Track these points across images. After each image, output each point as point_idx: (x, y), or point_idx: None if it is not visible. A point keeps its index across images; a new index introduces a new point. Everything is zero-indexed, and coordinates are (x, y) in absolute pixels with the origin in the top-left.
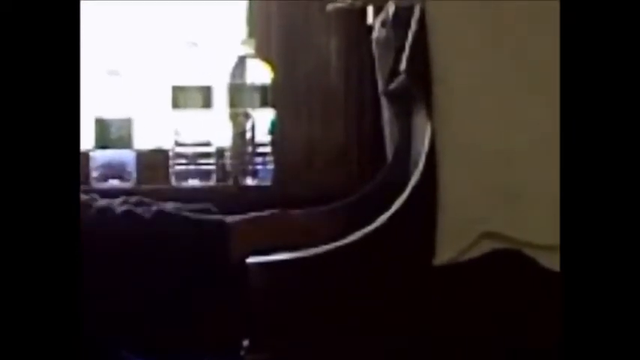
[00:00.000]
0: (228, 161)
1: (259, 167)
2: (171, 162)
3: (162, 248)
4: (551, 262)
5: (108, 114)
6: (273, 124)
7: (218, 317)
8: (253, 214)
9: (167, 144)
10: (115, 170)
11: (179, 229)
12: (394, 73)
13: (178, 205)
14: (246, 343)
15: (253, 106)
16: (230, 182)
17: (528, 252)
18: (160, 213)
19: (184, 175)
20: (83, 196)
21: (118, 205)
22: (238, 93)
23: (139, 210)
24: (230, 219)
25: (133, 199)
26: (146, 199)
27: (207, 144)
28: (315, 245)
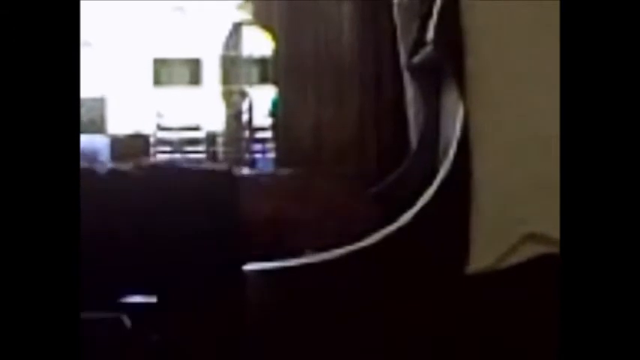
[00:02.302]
0: (220, 149)
1: (258, 156)
2: (152, 149)
3: (157, 207)
4: None
5: None
6: (275, 105)
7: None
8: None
9: (147, 128)
10: (84, 159)
11: (177, 183)
12: (419, 43)
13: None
14: None
15: (251, 83)
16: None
17: None
18: (154, 168)
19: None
20: None
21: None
22: (233, 67)
23: (125, 167)
24: (240, 173)
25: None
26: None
27: (196, 128)
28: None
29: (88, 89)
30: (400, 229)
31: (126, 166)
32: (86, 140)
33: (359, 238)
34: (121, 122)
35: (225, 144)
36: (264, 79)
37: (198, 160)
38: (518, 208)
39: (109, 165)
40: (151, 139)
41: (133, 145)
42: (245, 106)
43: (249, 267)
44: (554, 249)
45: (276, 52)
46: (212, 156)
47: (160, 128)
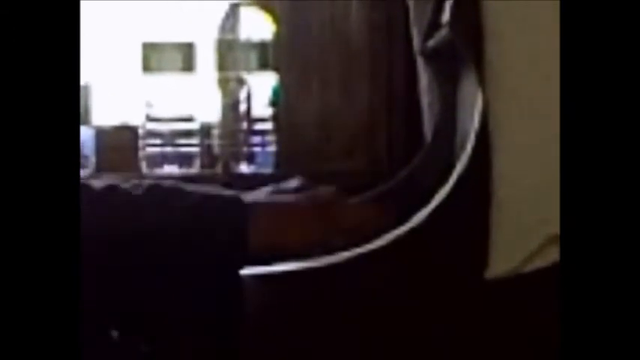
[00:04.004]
0: (216, 141)
1: (257, 149)
2: (141, 142)
3: (154, 237)
4: None
5: None
6: (276, 93)
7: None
8: (277, 192)
9: (136, 119)
10: None
11: (179, 211)
12: (434, 26)
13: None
14: None
15: (249, 69)
16: (219, 169)
17: None
18: (155, 188)
19: (159, 160)
20: None
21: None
22: (229, 52)
23: (125, 185)
24: (249, 198)
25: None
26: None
27: (189, 119)
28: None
29: None
30: (413, 231)
31: (125, 182)
32: None
33: (369, 240)
34: (107, 112)
35: (221, 136)
36: (263, 65)
37: (189, 156)
38: (542, 206)
39: (105, 180)
40: (140, 131)
41: (120, 137)
42: (243, 94)
43: (255, 270)
44: None
45: (277, 35)
46: (207, 149)
47: (150, 119)
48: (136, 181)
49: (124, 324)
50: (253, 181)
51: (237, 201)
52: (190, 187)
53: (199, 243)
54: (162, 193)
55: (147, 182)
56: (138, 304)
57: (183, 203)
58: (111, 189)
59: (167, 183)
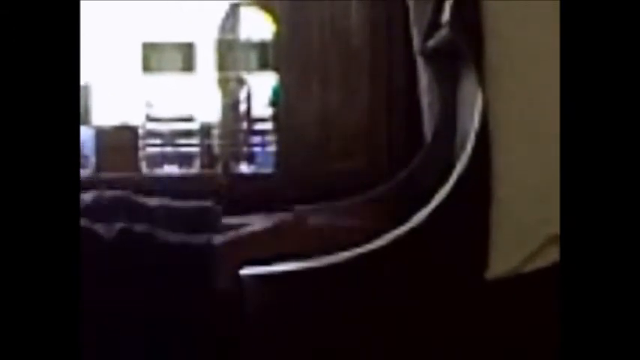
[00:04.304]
0: (216, 141)
1: (257, 149)
2: (141, 142)
3: (123, 281)
4: None
5: None
6: (276, 93)
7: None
8: (252, 224)
9: (136, 119)
10: None
11: (148, 256)
12: (434, 26)
13: (168, 202)
14: None
15: (249, 69)
16: (219, 169)
17: None
18: (124, 232)
19: (158, 160)
20: None
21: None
22: (229, 52)
23: (96, 227)
24: (219, 240)
25: (108, 194)
26: (124, 195)
27: (189, 119)
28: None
29: None
30: (412, 231)
31: (98, 226)
32: None
33: (368, 240)
34: (106, 112)
35: (220, 136)
36: (263, 65)
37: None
38: (542, 206)
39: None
40: (140, 131)
41: (120, 138)
42: (243, 94)
43: (255, 270)
44: None
45: (277, 35)
46: (207, 149)
47: (150, 119)
48: (107, 227)
49: None
50: (254, 181)
51: (208, 248)
52: (161, 235)
53: (167, 290)
54: (132, 239)
55: (117, 227)
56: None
57: (152, 250)
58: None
59: (138, 229)
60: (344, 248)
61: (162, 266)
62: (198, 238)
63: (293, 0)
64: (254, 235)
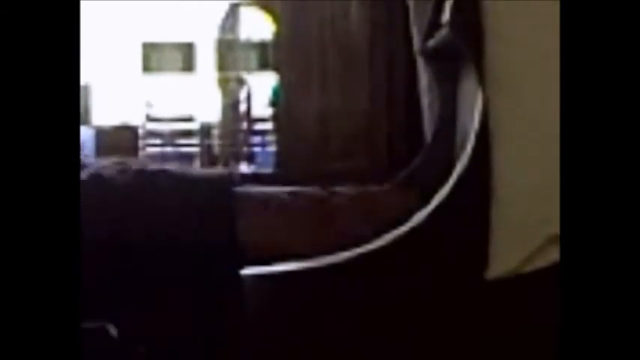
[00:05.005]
0: (216, 141)
1: (257, 149)
2: (141, 142)
3: (141, 230)
4: None
5: None
6: (276, 93)
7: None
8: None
9: (136, 119)
10: None
11: (167, 197)
12: (434, 25)
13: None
14: None
15: (249, 69)
16: (219, 168)
17: None
18: (141, 174)
19: (159, 160)
20: None
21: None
22: (229, 52)
23: (109, 171)
24: (241, 191)
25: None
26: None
27: (189, 119)
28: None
29: None
30: (412, 230)
31: (110, 169)
32: None
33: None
34: (107, 112)
35: (221, 136)
36: (263, 65)
37: (189, 156)
38: (542, 206)
39: (92, 167)
40: (140, 131)
41: (121, 138)
42: (243, 94)
43: (255, 270)
44: None
45: (277, 35)
46: (207, 149)
47: (150, 119)
48: (121, 167)
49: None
50: (254, 180)
51: (227, 190)
52: (177, 170)
53: (189, 227)
54: (149, 179)
55: (133, 168)
56: (129, 287)
57: (171, 187)
58: (96, 178)
59: (154, 167)
60: (344, 248)
61: (186, 199)
62: (219, 172)
63: (293, 0)
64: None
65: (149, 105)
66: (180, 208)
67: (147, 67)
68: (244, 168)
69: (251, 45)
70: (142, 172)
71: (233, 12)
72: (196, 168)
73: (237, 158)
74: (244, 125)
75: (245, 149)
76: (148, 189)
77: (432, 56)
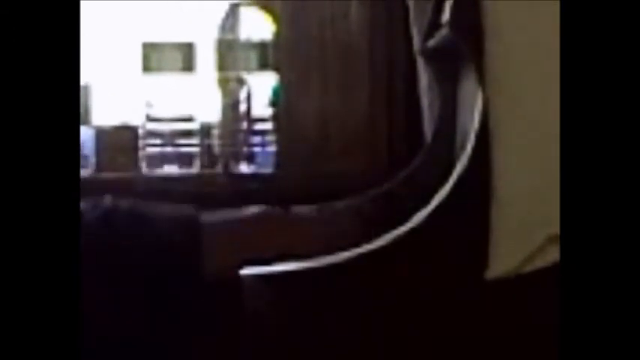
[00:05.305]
0: (216, 141)
1: (257, 150)
2: (141, 142)
3: (110, 258)
4: None
5: None
6: (276, 93)
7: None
8: (236, 211)
9: (136, 119)
10: None
11: (135, 232)
12: (434, 26)
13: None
14: None
15: (249, 69)
16: (219, 169)
17: None
18: (113, 211)
19: (159, 160)
20: None
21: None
22: (229, 52)
23: (84, 205)
24: (205, 218)
25: (106, 199)
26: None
27: (189, 119)
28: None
29: None
30: (413, 231)
31: (88, 203)
32: None
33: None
34: (106, 112)
35: (221, 136)
36: (264, 65)
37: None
38: (542, 206)
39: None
40: (140, 131)
41: (120, 138)
42: (243, 94)
43: (255, 270)
44: None
45: (277, 35)
46: (207, 149)
47: (150, 119)
48: (93, 203)
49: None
50: (253, 181)
51: (193, 224)
52: (148, 209)
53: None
54: (119, 218)
55: (105, 205)
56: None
57: (140, 228)
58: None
59: (125, 206)
60: (344, 248)
61: (151, 242)
62: (186, 209)
63: (293, 0)
64: (241, 219)
65: (149, 105)
66: (139, 251)
67: (147, 67)
68: (244, 168)
69: (251, 45)
70: (112, 211)
71: (233, 12)
72: (165, 206)
73: (237, 158)
74: (244, 125)
75: (245, 149)
76: (109, 228)
77: (432, 56)
